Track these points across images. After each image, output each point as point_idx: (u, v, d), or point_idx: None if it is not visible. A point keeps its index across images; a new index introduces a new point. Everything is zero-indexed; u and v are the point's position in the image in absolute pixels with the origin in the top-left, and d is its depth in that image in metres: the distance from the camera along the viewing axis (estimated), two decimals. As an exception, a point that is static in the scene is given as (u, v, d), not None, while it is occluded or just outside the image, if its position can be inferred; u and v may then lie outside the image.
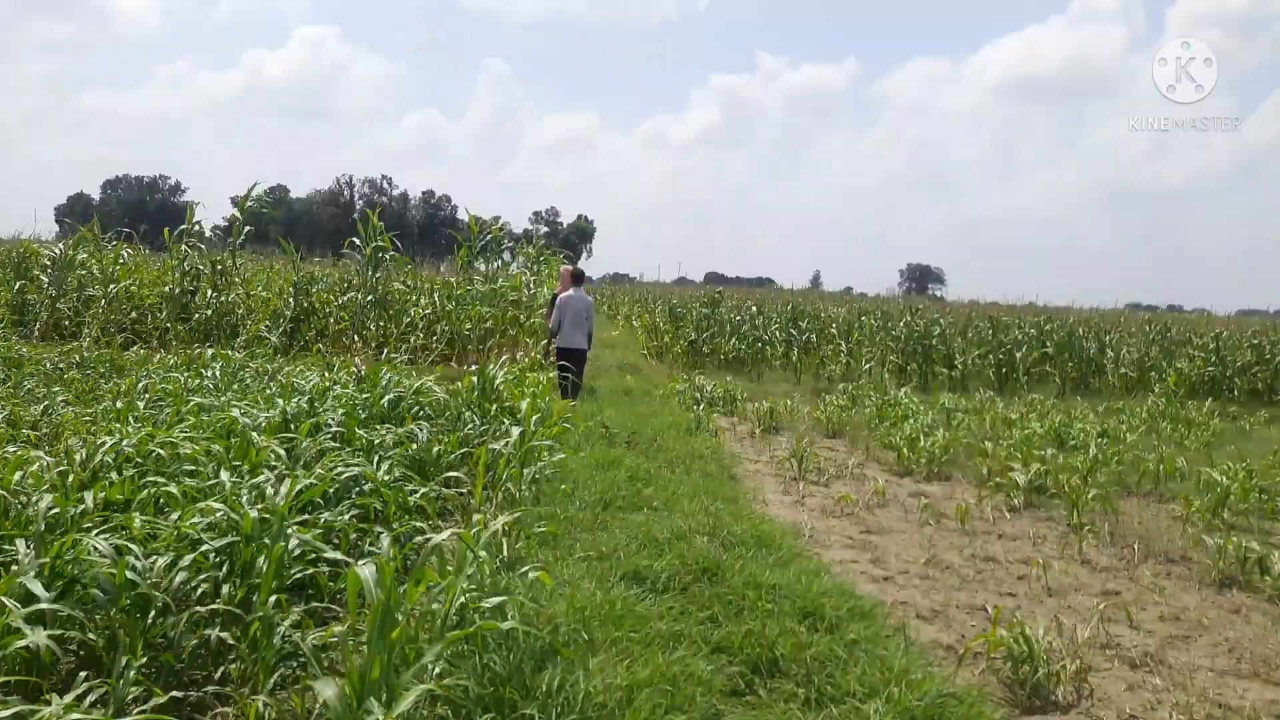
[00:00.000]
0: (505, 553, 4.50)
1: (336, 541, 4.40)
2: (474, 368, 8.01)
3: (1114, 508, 7.44)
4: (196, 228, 13.34)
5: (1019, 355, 17.04)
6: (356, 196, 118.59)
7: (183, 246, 13.26)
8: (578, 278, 11.18)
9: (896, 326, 18.96)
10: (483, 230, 15.65)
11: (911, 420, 11.13)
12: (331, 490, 4.75)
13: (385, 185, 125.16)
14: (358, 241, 14.03)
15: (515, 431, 5.78)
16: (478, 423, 7.08)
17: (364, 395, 7.09)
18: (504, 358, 12.72)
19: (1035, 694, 4.10)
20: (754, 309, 20.02)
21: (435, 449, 6.06)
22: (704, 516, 5.75)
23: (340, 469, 4.86)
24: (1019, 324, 19.03)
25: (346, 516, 4.52)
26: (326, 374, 8.65)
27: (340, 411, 6.42)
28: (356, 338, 13.97)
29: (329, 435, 5.82)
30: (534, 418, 6.53)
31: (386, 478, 5.11)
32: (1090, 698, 4.17)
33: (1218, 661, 4.71)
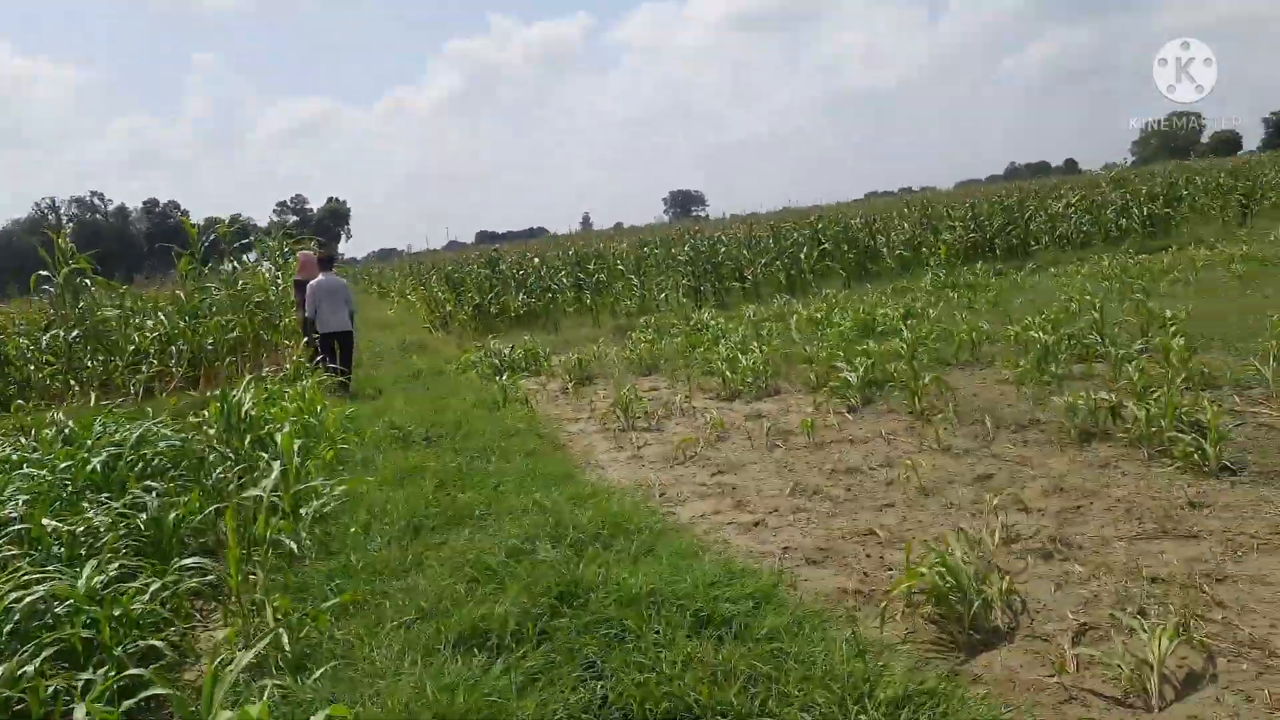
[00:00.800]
0: (287, 649, 3.22)
1: (21, 707, 2.95)
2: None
3: (947, 386, 7.17)
4: None
5: (802, 256, 17.14)
6: (65, 219, 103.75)
7: None
8: (326, 261, 10.58)
9: (681, 252, 18.55)
10: (205, 231, 13.30)
11: (724, 341, 10.59)
12: (7, 629, 3.26)
13: (96, 202, 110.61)
14: (46, 273, 11.37)
15: (276, 468, 4.40)
16: (232, 463, 5.57)
17: (65, 463, 5.35)
18: (261, 371, 10.88)
19: (974, 628, 3.46)
20: (536, 260, 18.88)
21: (172, 516, 4.56)
22: (539, 514, 4.69)
23: (12, 592, 3.34)
24: (795, 227, 19.20)
25: (34, 666, 3.06)
26: (21, 440, 6.68)
27: (23, 497, 4.73)
28: (72, 382, 11.47)
29: (5, 537, 4.18)
30: (297, 443, 5.14)
31: (100, 580, 3.63)
32: (1027, 612, 3.60)
33: (1122, 528, 4.34)
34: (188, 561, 3.64)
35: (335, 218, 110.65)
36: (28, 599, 3.37)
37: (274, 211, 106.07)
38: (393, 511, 4.85)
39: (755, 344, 10.09)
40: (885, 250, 18.02)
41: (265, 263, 14.56)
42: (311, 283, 10.03)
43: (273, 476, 4.23)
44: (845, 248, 18.10)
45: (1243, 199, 19.88)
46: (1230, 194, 20.20)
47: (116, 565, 3.92)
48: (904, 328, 9.60)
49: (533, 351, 11.77)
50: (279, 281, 13.94)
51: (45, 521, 4.24)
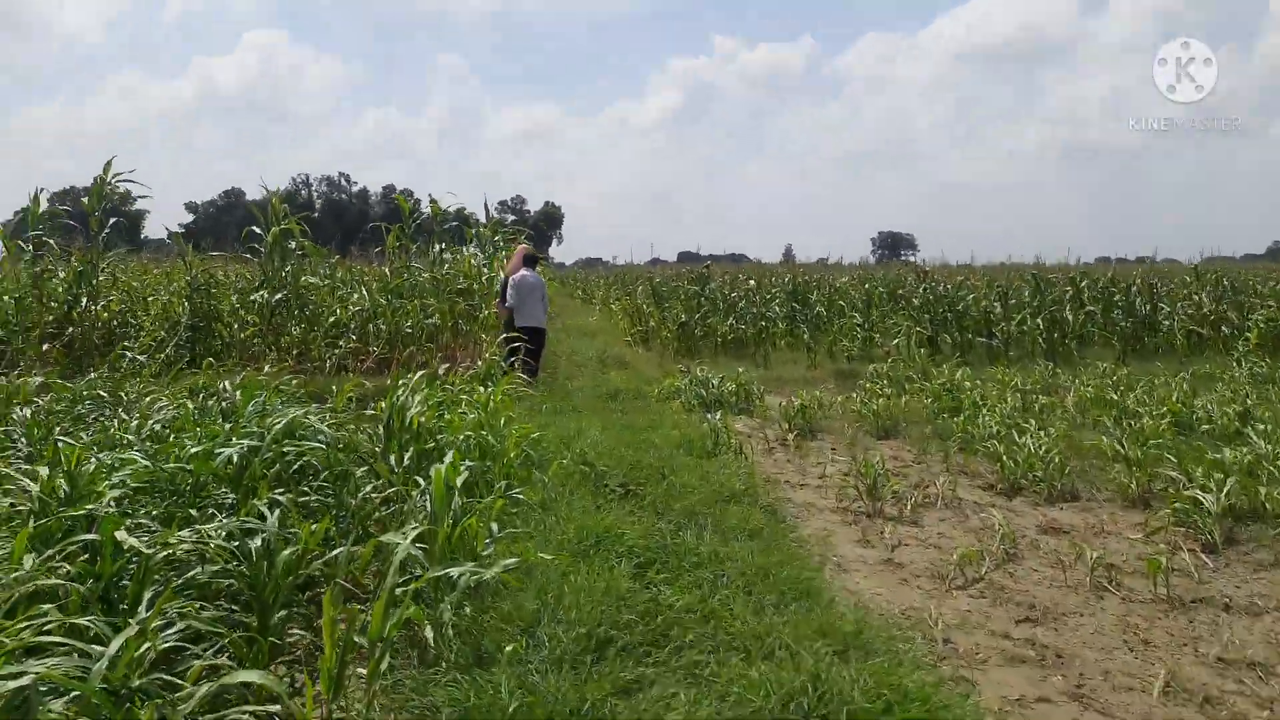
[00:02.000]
0: None
1: None
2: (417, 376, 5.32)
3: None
4: (47, 220, 10.35)
5: (1069, 316, 14.49)
6: (315, 195, 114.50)
7: (19, 243, 10.30)
8: (530, 259, 10.35)
9: (915, 294, 16.35)
10: (414, 212, 12.78)
11: (985, 410, 8.50)
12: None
13: (344, 182, 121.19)
14: (258, 230, 11.12)
15: (416, 521, 3.05)
16: (382, 484, 4.36)
17: (197, 446, 4.32)
18: (456, 363, 9.98)
19: None
20: (752, 283, 17.31)
21: (286, 553, 3.33)
22: (782, 663, 3.05)
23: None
24: (1055, 282, 16.47)
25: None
26: (196, 400, 5.89)
27: (127, 486, 3.70)
28: (270, 347, 11.13)
29: (72, 546, 3.08)
30: (464, 470, 3.82)
31: (144, 652, 2.39)
32: None
33: None
34: (242, 676, 2.30)
35: (550, 221, 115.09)
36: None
37: (495, 209, 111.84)
38: (572, 605, 3.37)
39: (1031, 421, 7.97)
40: (1167, 323, 14.93)
41: (475, 250, 13.91)
42: (514, 277, 9.95)
43: (407, 538, 2.86)
44: (1117, 314, 15.21)
45: None
46: None
47: (175, 631, 2.69)
48: (1251, 432, 7.17)
49: (745, 387, 10.17)
50: (485, 271, 13.23)
51: (120, 535, 3.11)
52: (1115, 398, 8.89)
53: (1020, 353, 14.61)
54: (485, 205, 14.18)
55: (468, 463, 4.50)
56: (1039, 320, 14.21)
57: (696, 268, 20.21)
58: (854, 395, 10.18)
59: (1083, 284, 16.31)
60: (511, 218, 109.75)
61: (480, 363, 8.85)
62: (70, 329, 10.89)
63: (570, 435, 6.64)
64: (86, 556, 3.19)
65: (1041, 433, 7.40)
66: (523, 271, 9.94)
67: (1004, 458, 6.65)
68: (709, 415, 8.24)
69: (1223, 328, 14.52)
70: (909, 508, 5.91)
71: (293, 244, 11.29)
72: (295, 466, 4.55)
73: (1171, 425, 7.81)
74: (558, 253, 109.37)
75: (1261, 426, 7.60)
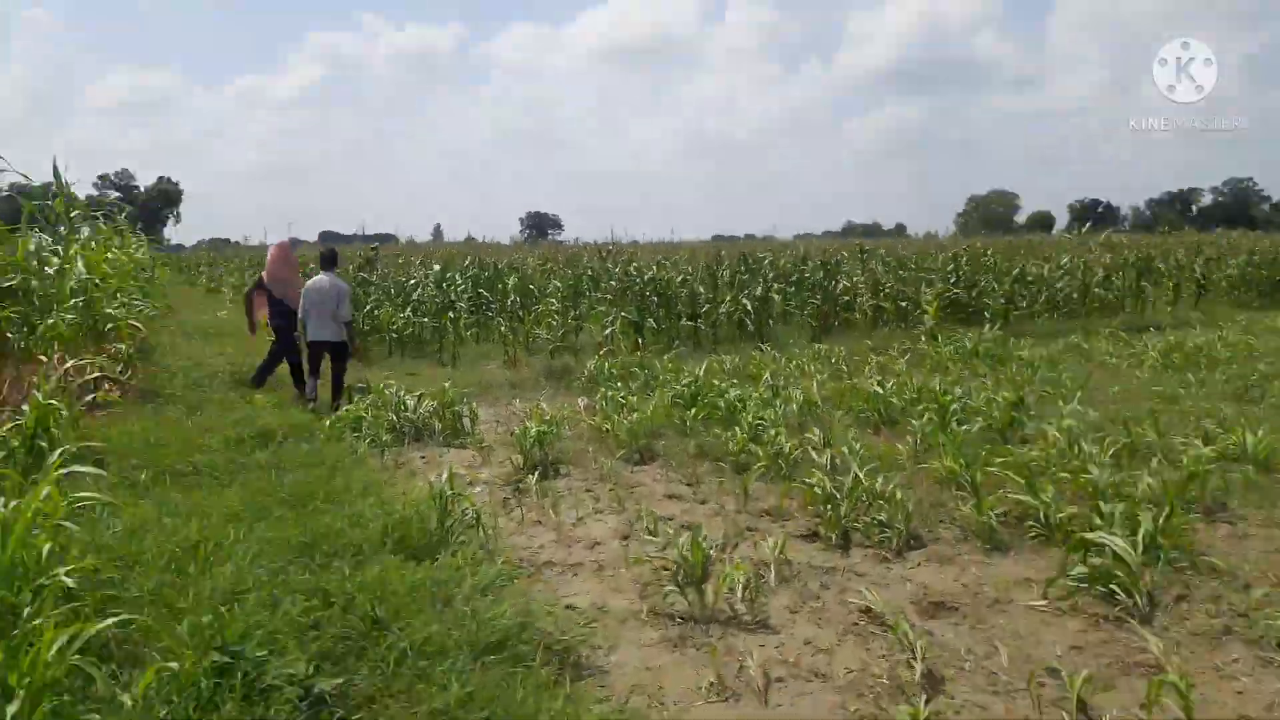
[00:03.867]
0: None
1: None
2: None
3: None
4: None
5: (777, 298, 13.94)
6: None
7: None
8: (329, 258, 9.03)
9: (615, 276, 14.92)
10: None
11: (746, 412, 7.02)
12: None
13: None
14: None
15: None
16: None
17: None
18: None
19: None
20: (436, 267, 14.67)
21: None
22: None
23: None
24: (763, 259, 16.03)
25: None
26: None
27: None
28: None
29: None
30: None
31: None
32: None
33: None
34: None
35: (165, 198, 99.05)
36: None
37: (94, 185, 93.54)
38: None
39: (816, 430, 6.63)
40: (858, 301, 15.09)
41: (38, 234, 9.69)
42: (309, 282, 8.67)
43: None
44: (808, 293, 15.07)
45: (1202, 278, 18.43)
46: (1179, 272, 18.69)
47: None
48: (1025, 419, 6.44)
49: (450, 404, 7.76)
50: (56, 258, 9.23)
51: None
52: (876, 389, 7.91)
53: (725, 334, 13.81)
54: (56, 168, 9.98)
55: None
56: (746, 302, 13.43)
57: (364, 249, 17.02)
58: (579, 403, 8.26)
59: (782, 263, 16.02)
60: (115, 194, 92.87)
61: (33, 397, 5.49)
62: None
63: (189, 555, 3.83)
64: None
65: (848, 450, 6.03)
66: (319, 275, 8.65)
67: (829, 497, 5.07)
68: (409, 454, 5.77)
69: (900, 303, 14.91)
70: (741, 593, 4.07)
71: None
72: None
73: (938, 418, 6.88)
74: (175, 233, 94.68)
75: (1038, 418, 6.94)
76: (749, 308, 13.34)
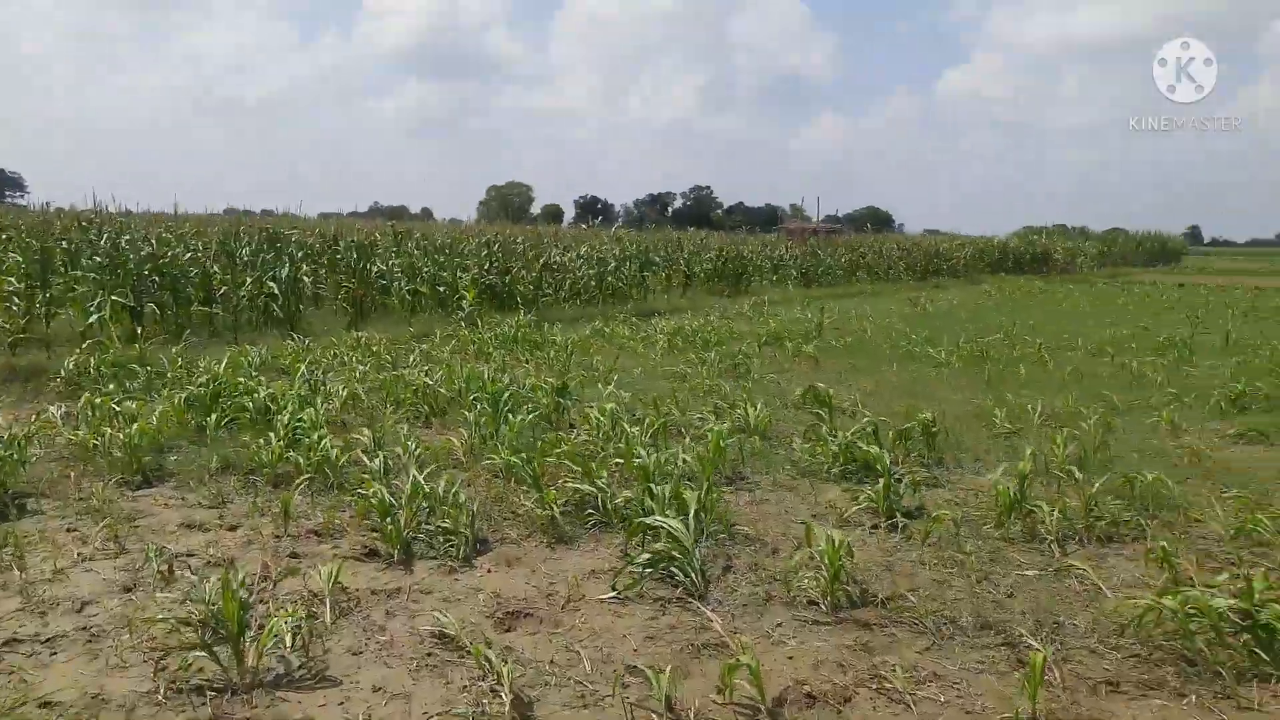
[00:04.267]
0: None
1: None
2: None
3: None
4: None
5: (307, 280, 12.71)
6: None
7: None
8: None
9: (100, 250, 12.28)
10: None
11: (281, 413, 6.17)
12: None
13: None
14: None
15: None
16: None
17: None
18: None
19: None
20: None
21: None
22: None
23: None
24: (290, 237, 14.43)
25: None
26: None
27: None
28: None
29: None
30: None
31: None
32: None
33: None
34: None
35: None
36: None
37: None
38: None
39: (367, 431, 6.05)
40: (395, 285, 14.54)
41: None
42: None
43: None
44: (342, 276, 14.15)
45: (687, 271, 21.51)
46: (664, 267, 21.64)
47: None
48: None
49: None
50: None
51: None
52: (425, 380, 7.54)
53: (249, 321, 12.27)
54: None
55: None
56: (273, 284, 12.04)
57: None
58: (53, 411, 6.54)
59: (311, 242, 14.74)
60: None
61: None
62: None
63: None
64: None
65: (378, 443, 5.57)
66: None
67: (386, 507, 4.57)
68: None
69: (440, 288, 14.75)
70: (291, 641, 3.42)
71: None
72: None
73: (490, 407, 6.83)
74: None
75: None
76: (275, 291, 12.00)
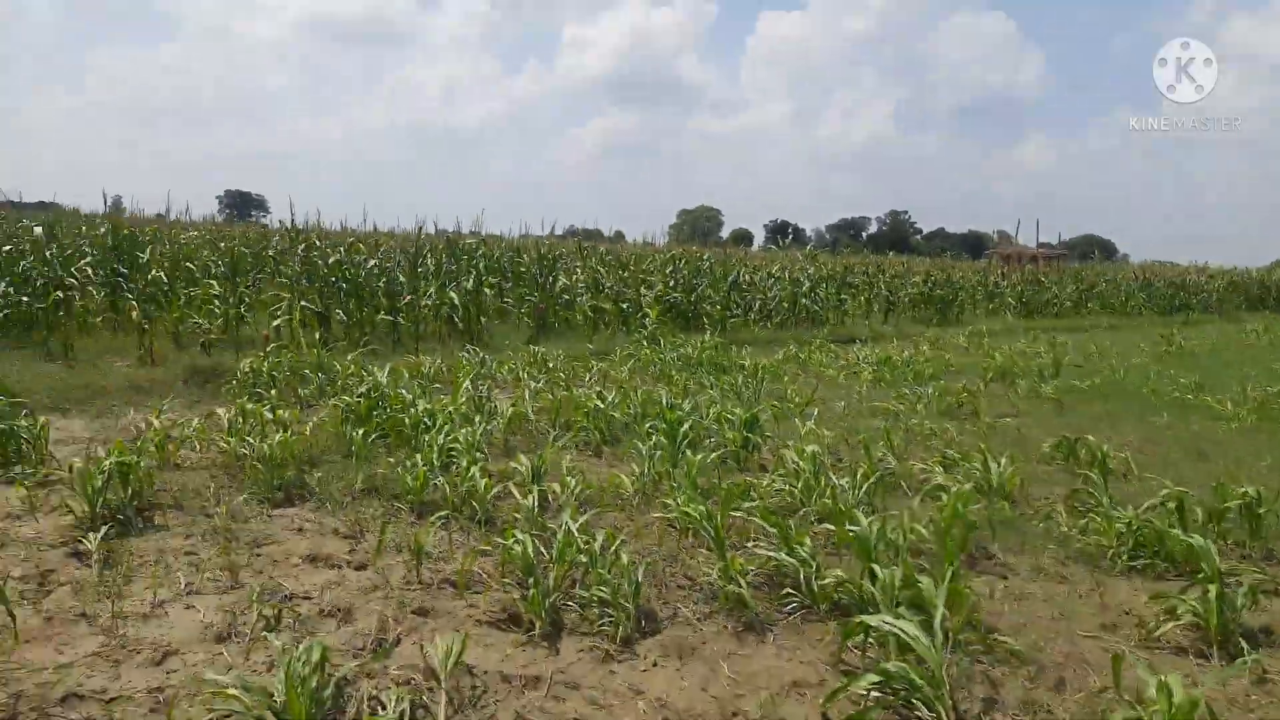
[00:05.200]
0: None
1: None
2: None
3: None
4: None
5: (489, 291, 12.42)
6: None
7: None
8: None
9: (294, 257, 12.53)
10: None
11: (434, 432, 5.47)
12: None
13: None
14: None
15: None
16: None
17: None
18: None
19: None
20: (39, 230, 11.28)
21: None
22: None
23: None
24: (475, 249, 14.33)
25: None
26: None
27: None
28: None
29: None
30: None
31: None
32: None
33: None
34: None
35: None
36: None
37: None
38: None
39: (525, 459, 5.23)
40: (578, 300, 14.03)
41: None
42: None
43: None
44: (525, 289, 13.78)
45: (889, 295, 19.79)
46: (864, 290, 19.96)
47: None
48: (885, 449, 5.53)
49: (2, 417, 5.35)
50: None
51: None
52: (597, 404, 6.68)
53: (430, 331, 12.09)
54: None
55: None
56: (454, 294, 11.78)
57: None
58: (220, 414, 6.21)
59: (492, 255, 14.53)
60: None
61: None
62: None
63: None
64: None
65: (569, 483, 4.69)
66: None
67: (531, 564, 3.66)
68: None
69: (623, 304, 14.09)
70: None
71: None
72: None
73: (667, 439, 5.80)
74: None
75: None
76: (456, 302, 11.71)
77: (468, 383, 6.99)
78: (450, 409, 6.22)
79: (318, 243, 12.33)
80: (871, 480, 4.83)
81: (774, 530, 3.95)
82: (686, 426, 5.68)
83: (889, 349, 12.41)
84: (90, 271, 10.86)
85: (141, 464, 4.59)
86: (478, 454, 5.34)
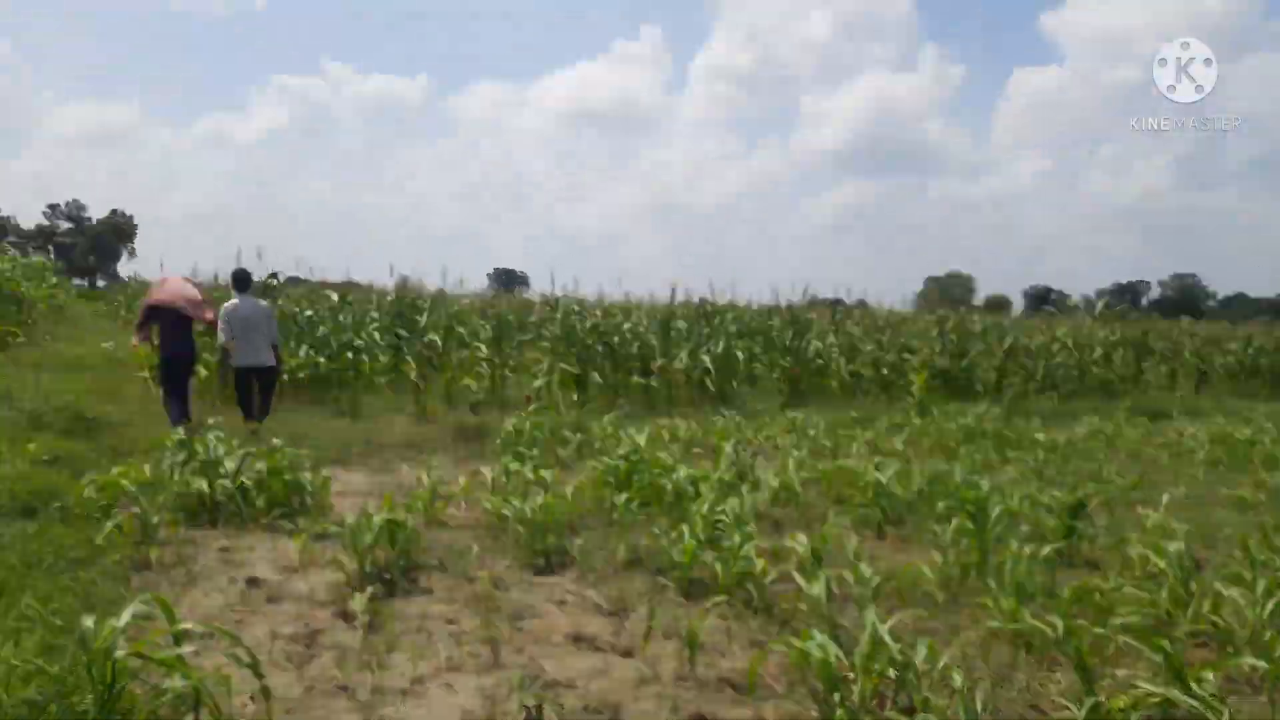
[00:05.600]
0: None
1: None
2: None
3: None
4: None
5: (741, 356, 12.01)
6: None
7: None
8: (242, 280, 8.61)
9: (553, 321, 12.87)
10: None
11: (700, 503, 4.94)
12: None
13: None
14: None
15: None
16: None
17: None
18: None
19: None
20: (334, 297, 12.50)
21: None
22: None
23: None
24: (709, 315, 14.09)
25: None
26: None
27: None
28: None
29: None
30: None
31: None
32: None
33: None
34: None
35: (117, 232, 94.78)
36: None
37: (44, 214, 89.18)
38: None
39: (802, 537, 4.56)
40: (833, 365, 13.22)
41: None
42: (226, 306, 8.24)
43: None
44: (779, 355, 13.18)
45: (1200, 361, 16.97)
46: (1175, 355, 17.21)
47: None
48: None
49: (281, 473, 5.53)
50: None
51: None
52: (876, 476, 5.87)
53: (682, 395, 11.81)
54: None
55: None
56: (706, 357, 11.46)
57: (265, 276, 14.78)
58: (485, 473, 6.12)
59: (740, 320, 14.16)
60: (66, 224, 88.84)
61: None
62: None
63: None
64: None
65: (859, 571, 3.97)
66: (234, 300, 8.27)
67: (834, 673, 2.97)
68: (218, 549, 3.59)
69: (882, 370, 13.09)
70: None
71: None
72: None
73: (973, 523, 4.84)
74: (127, 266, 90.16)
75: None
76: (709, 365, 11.37)
77: (729, 447, 6.46)
78: (713, 476, 5.71)
79: (576, 309, 12.58)
80: (1271, 589, 3.64)
81: (1153, 652, 2.97)
82: (998, 511, 4.73)
83: (1217, 426, 10.37)
84: (376, 335, 11.75)
85: (410, 523, 4.46)
86: (748, 530, 4.76)
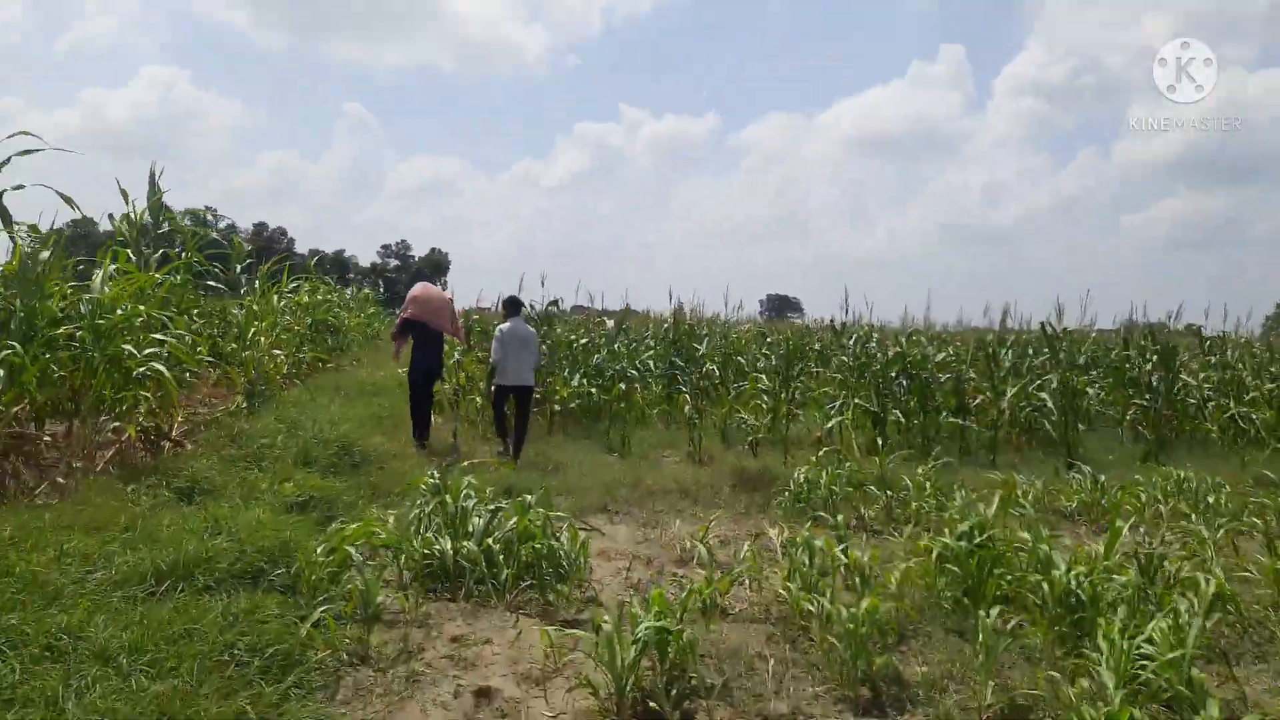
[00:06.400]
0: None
1: None
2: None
3: None
4: None
5: (1090, 392, 9.67)
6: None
7: None
8: (513, 303, 8.85)
9: (846, 351, 11.25)
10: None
11: (1117, 610, 3.23)
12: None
13: (209, 218, 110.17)
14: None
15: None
16: None
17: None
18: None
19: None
20: (609, 323, 11.88)
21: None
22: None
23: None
24: (1059, 342, 11.68)
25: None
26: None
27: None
28: None
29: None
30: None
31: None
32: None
33: None
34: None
35: (435, 267, 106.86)
36: None
37: (378, 254, 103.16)
38: None
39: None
40: (1208, 406, 10.32)
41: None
42: (502, 326, 8.53)
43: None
44: (1134, 392, 10.53)
45: None
46: None
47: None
48: None
49: (533, 539, 4.56)
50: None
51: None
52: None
53: (1007, 437, 9.69)
54: (153, 179, 8.44)
55: None
56: (1044, 394, 9.27)
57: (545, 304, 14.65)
58: (773, 536, 4.76)
59: (1087, 347, 11.70)
60: (394, 262, 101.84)
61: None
62: None
63: None
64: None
65: None
66: (507, 322, 8.56)
67: None
68: (449, 639, 2.62)
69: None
70: None
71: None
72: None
73: None
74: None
75: None
76: (1047, 404, 9.17)
77: (1125, 527, 4.55)
78: (1119, 576, 3.91)
79: (872, 334, 10.93)
80: None
81: None
82: None
83: None
84: (651, 364, 10.90)
85: (685, 633, 3.21)
86: (1191, 667, 2.99)
